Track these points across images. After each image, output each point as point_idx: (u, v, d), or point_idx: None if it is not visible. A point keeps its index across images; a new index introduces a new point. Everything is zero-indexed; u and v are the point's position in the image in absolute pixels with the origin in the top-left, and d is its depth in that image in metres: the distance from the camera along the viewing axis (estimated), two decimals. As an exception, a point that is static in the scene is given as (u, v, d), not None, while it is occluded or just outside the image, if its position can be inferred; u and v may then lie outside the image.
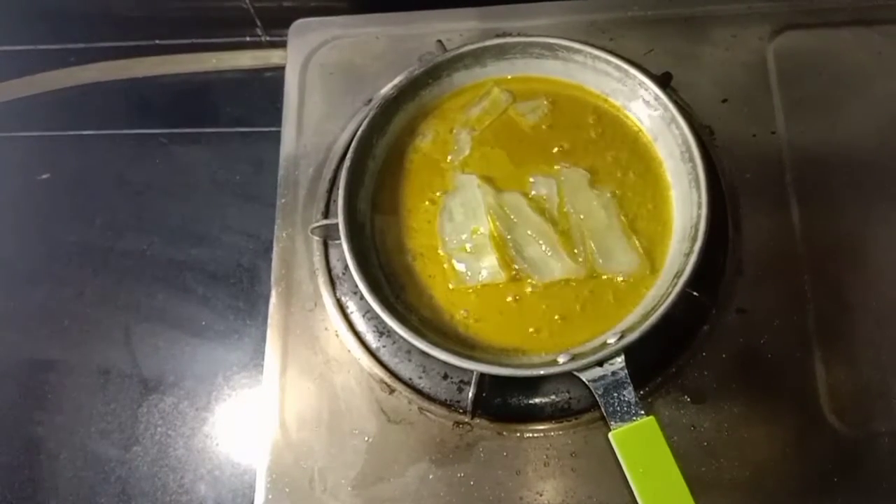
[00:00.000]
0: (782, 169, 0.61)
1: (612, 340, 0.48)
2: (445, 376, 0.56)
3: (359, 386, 0.57)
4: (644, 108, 0.58)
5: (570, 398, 0.54)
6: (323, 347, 0.59)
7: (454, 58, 0.60)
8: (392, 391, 0.57)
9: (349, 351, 0.59)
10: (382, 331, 0.58)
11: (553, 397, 0.55)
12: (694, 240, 0.49)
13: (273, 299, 0.61)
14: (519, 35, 0.59)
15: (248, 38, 0.81)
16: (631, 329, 0.48)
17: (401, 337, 0.50)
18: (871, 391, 0.54)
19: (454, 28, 0.67)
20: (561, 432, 0.54)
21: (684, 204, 0.54)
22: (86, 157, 0.78)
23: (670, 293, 0.47)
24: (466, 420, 0.56)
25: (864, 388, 0.54)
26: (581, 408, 0.54)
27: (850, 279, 0.57)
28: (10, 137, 0.81)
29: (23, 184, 0.78)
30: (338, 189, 0.56)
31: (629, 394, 0.46)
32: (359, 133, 0.57)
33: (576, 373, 0.48)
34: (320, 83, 0.69)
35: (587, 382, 0.47)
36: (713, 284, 0.57)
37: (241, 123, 0.77)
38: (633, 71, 0.56)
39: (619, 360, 0.47)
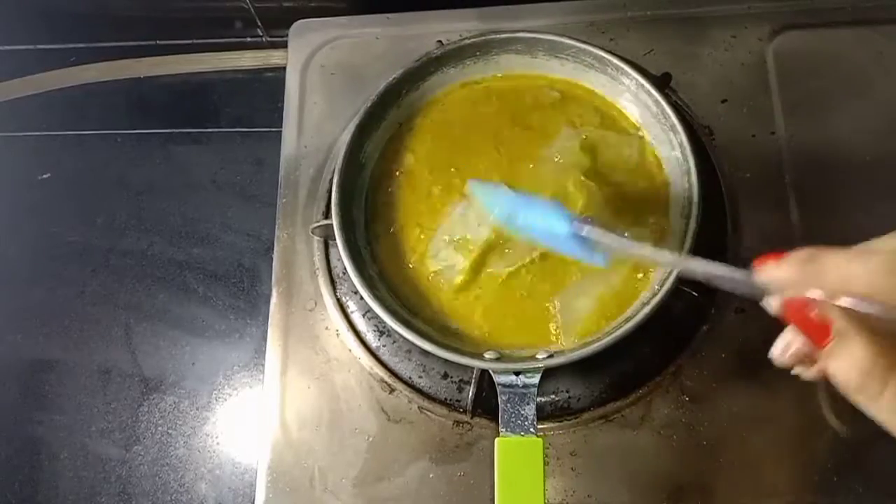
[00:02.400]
0: (781, 169, 0.61)
1: (540, 356, 0.48)
2: (445, 375, 0.57)
3: (359, 385, 0.58)
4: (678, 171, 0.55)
5: (569, 397, 0.55)
6: (323, 347, 0.59)
7: (507, 39, 0.59)
8: (392, 390, 0.57)
9: (349, 350, 0.59)
10: (382, 330, 0.58)
11: (553, 396, 0.55)
12: (656, 292, 0.48)
13: (274, 299, 0.61)
14: (573, 38, 0.58)
15: (248, 39, 0.81)
16: (563, 353, 0.48)
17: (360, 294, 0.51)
18: (870, 391, 0.54)
19: (454, 28, 0.68)
20: (561, 432, 0.55)
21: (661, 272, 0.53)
22: (86, 157, 0.78)
23: (609, 335, 0.47)
24: (466, 419, 0.56)
25: (864, 387, 0.54)
26: (581, 407, 0.55)
27: (849, 279, 0.57)
28: (10, 137, 0.81)
29: (23, 184, 0.78)
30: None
31: (530, 410, 0.46)
32: (392, 78, 0.58)
33: (492, 372, 0.48)
34: (321, 83, 0.69)
35: (497, 384, 0.47)
36: (713, 284, 0.57)
37: (242, 123, 0.77)
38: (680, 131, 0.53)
39: (536, 377, 0.47)
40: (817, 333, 0.29)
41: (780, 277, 0.30)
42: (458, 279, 0.54)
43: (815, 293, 0.30)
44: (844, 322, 0.29)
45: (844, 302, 0.29)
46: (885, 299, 0.28)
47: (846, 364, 0.28)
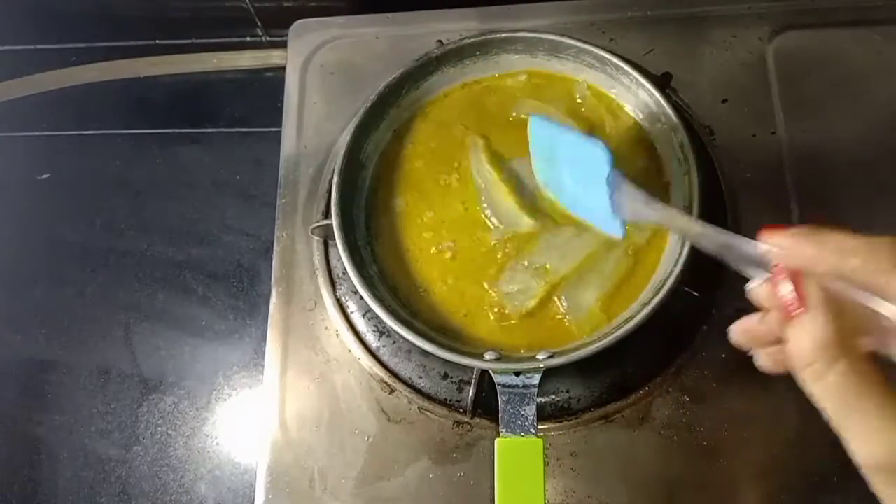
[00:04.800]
0: (782, 169, 0.61)
1: (541, 356, 0.48)
2: (445, 376, 0.56)
3: (359, 385, 0.58)
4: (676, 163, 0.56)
5: (569, 398, 0.55)
6: (323, 347, 0.59)
7: (507, 38, 0.59)
8: (392, 391, 0.57)
9: (349, 350, 0.59)
10: (382, 330, 0.58)
11: (553, 397, 0.55)
12: (657, 291, 0.49)
13: (273, 299, 0.61)
14: (578, 39, 0.58)
15: (248, 39, 0.81)
16: (563, 353, 0.48)
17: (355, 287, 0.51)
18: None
19: (454, 28, 0.68)
20: (561, 432, 0.54)
21: (669, 256, 0.53)
22: (86, 157, 0.78)
23: (611, 335, 0.47)
24: (466, 420, 0.56)
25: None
26: (581, 407, 0.54)
27: (849, 279, 0.57)
28: (10, 137, 0.81)
29: (23, 183, 0.78)
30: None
31: (531, 410, 0.46)
32: (392, 78, 0.57)
33: (492, 372, 0.48)
34: (320, 83, 0.69)
35: (497, 384, 0.47)
36: (713, 284, 0.57)
37: (242, 123, 0.77)
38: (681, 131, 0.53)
39: (536, 377, 0.47)
40: (792, 304, 0.31)
41: (782, 244, 0.32)
42: (531, 304, 0.53)
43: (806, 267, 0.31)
44: (820, 297, 0.30)
45: (830, 284, 0.31)
46: (868, 281, 0.29)
47: (806, 335, 0.30)
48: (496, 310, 0.53)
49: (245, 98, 0.78)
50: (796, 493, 0.52)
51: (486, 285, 0.54)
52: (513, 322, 0.53)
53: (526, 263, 0.54)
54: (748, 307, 0.55)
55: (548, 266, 0.53)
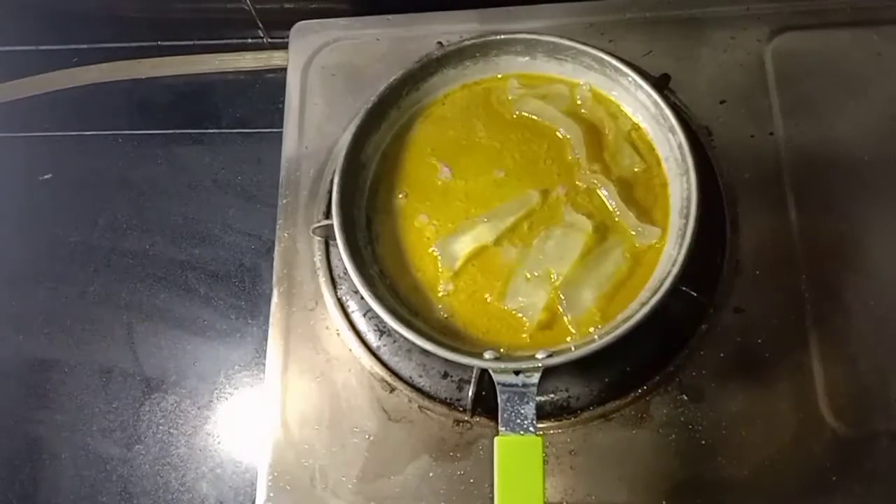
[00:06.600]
0: (780, 170, 0.61)
1: (540, 355, 0.48)
2: (445, 375, 0.57)
3: (360, 384, 0.58)
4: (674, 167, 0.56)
5: (569, 396, 0.55)
6: (324, 346, 0.59)
7: (507, 40, 0.60)
8: (392, 390, 0.57)
9: (350, 350, 0.59)
10: (383, 330, 0.59)
11: (552, 395, 0.55)
12: (655, 291, 0.49)
13: (275, 299, 0.61)
14: (575, 40, 0.58)
15: (249, 40, 0.81)
16: (562, 352, 0.48)
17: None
18: (868, 390, 0.54)
19: (454, 30, 0.68)
20: (560, 430, 0.55)
21: (667, 257, 0.53)
22: (88, 158, 0.79)
23: (609, 334, 0.47)
24: (466, 418, 0.56)
25: (862, 387, 0.54)
26: (580, 406, 0.55)
27: (847, 279, 0.57)
28: (12, 137, 0.81)
29: (25, 184, 0.78)
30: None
31: (530, 409, 0.46)
32: (393, 79, 0.58)
33: (492, 371, 0.48)
34: (321, 85, 0.69)
35: (497, 383, 0.48)
36: (711, 284, 0.57)
37: (243, 124, 0.78)
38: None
39: (536, 376, 0.47)
40: None
41: None
42: (541, 316, 0.53)
43: None
44: None
45: None
46: None
47: None
48: (504, 318, 0.53)
49: (246, 99, 0.79)
50: (795, 493, 0.52)
51: (490, 297, 0.54)
52: (522, 330, 0.53)
53: (528, 275, 0.54)
54: (747, 309, 0.56)
55: (551, 271, 0.53)
